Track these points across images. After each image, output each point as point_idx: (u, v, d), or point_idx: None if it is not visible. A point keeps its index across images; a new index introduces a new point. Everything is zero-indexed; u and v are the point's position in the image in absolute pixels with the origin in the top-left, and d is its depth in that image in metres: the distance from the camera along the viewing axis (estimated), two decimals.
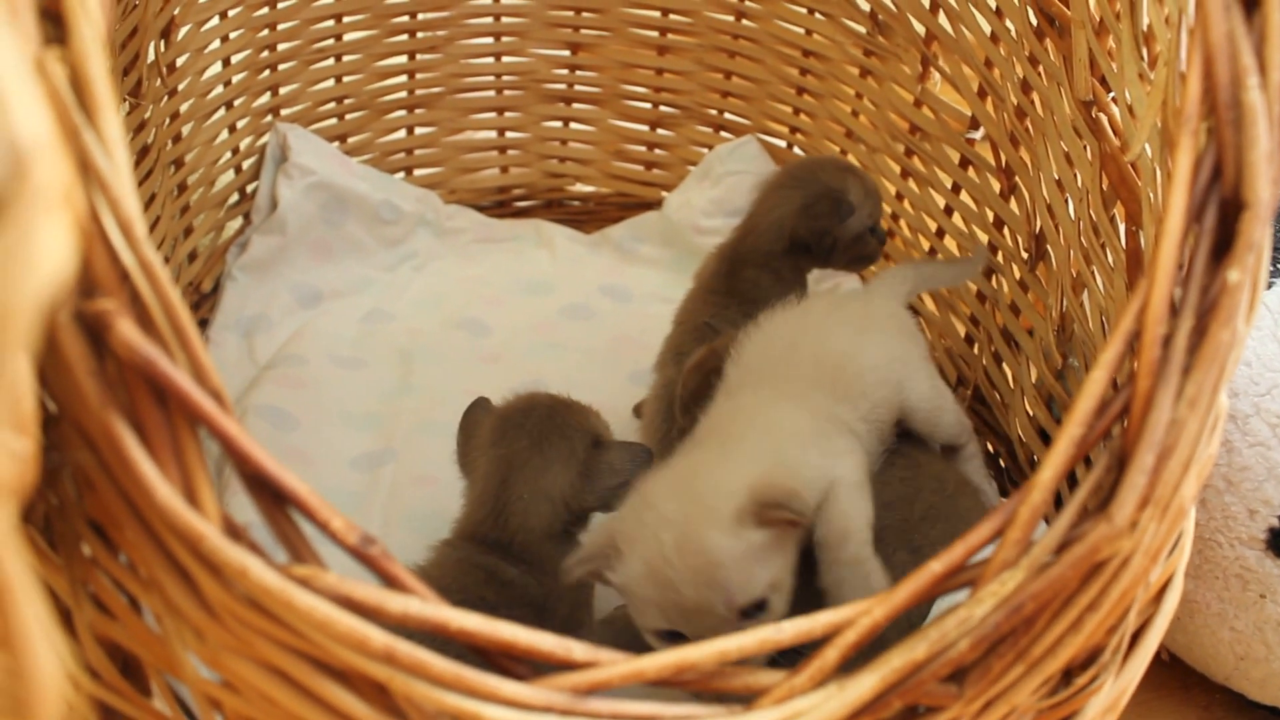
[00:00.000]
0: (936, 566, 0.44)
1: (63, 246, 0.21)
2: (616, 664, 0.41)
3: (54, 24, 0.38)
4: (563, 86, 1.21)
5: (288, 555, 0.40)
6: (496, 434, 0.75)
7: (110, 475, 0.39)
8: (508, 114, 1.21)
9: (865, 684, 0.42)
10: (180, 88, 1.00)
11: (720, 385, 0.79)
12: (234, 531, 0.39)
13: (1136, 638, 0.53)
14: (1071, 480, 0.78)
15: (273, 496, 0.40)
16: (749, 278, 0.92)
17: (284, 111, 1.12)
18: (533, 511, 0.73)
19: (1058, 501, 0.76)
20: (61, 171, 0.22)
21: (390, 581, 0.40)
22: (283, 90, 1.12)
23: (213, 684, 0.44)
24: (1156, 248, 0.45)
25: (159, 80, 0.96)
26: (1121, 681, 0.52)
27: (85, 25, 0.38)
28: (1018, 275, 0.93)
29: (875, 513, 0.77)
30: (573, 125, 1.22)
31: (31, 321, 0.21)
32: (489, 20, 1.18)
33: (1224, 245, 0.45)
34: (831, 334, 0.80)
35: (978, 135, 0.99)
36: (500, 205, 1.22)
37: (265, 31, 1.09)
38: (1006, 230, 0.95)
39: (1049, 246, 0.88)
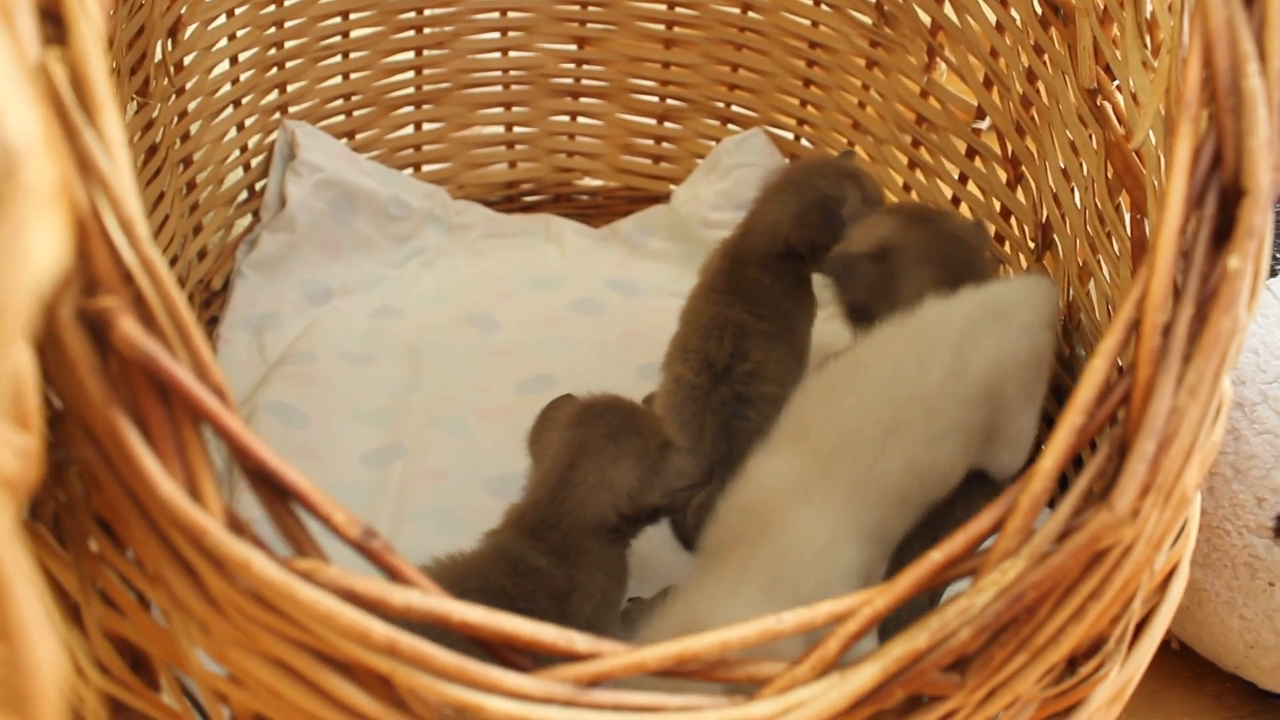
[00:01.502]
0: (938, 556, 0.44)
1: (55, 243, 0.21)
2: (619, 655, 0.41)
3: (54, 24, 0.38)
4: (570, 81, 1.21)
5: (291, 549, 0.41)
6: (575, 418, 0.77)
7: (115, 472, 0.40)
8: (515, 109, 1.21)
9: (867, 673, 0.42)
10: (188, 86, 1.01)
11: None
12: (237, 526, 0.39)
13: (1142, 626, 0.53)
14: (1079, 466, 0.78)
15: (275, 491, 0.40)
16: (751, 277, 0.92)
17: (292, 109, 1.13)
18: (591, 499, 0.74)
19: (1066, 485, 0.76)
20: (52, 170, 0.22)
21: (392, 574, 0.40)
22: (290, 88, 1.12)
23: (219, 678, 0.44)
24: (1156, 235, 0.45)
25: (166, 79, 0.96)
26: (1127, 670, 0.53)
27: (85, 25, 0.38)
28: (1025, 265, 0.93)
29: None
30: (580, 119, 1.22)
31: (27, 317, 0.22)
32: (495, 15, 1.18)
33: (1224, 232, 0.45)
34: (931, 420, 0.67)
35: (984, 125, 0.99)
36: (509, 200, 1.22)
37: (272, 29, 1.09)
38: (1013, 220, 0.95)
39: (1055, 236, 0.88)
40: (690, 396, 0.88)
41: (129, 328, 0.38)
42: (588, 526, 0.74)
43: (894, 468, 0.67)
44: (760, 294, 0.91)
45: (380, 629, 0.38)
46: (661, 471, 0.75)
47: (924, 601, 0.64)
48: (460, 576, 0.71)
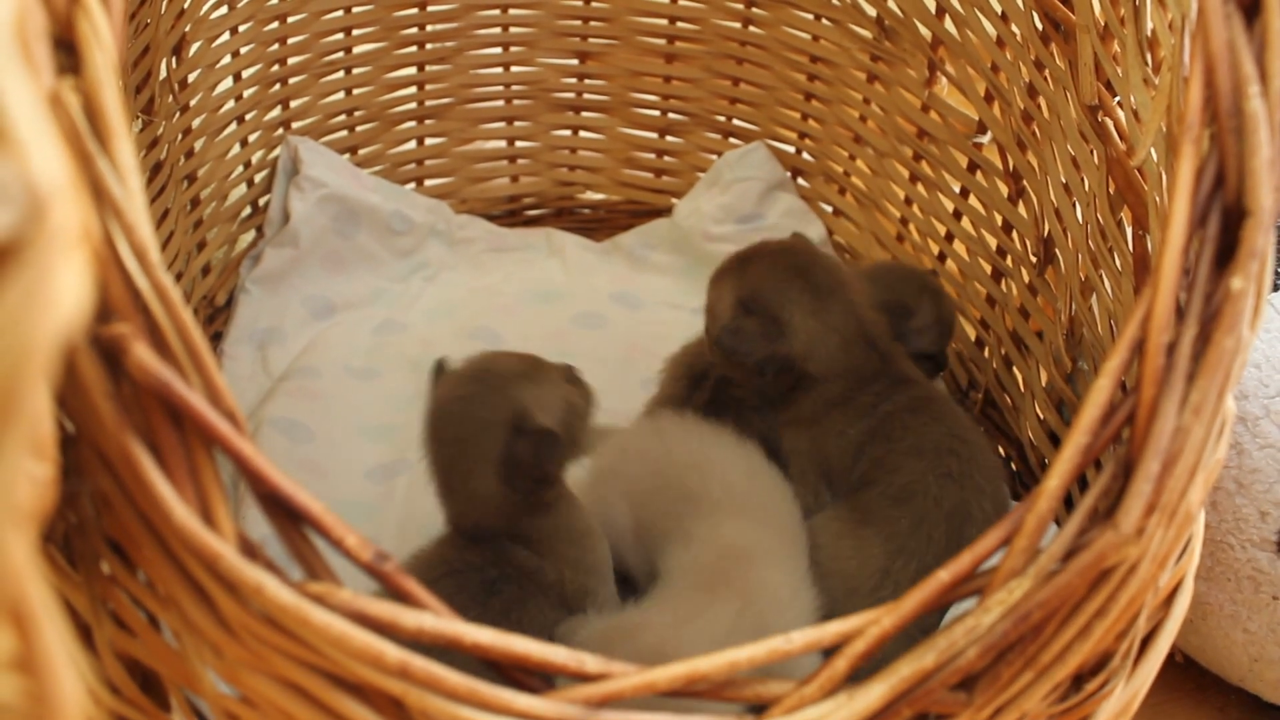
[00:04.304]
0: (944, 575, 0.44)
1: (80, 285, 0.22)
2: (629, 675, 0.42)
3: (67, 53, 0.39)
4: (572, 95, 1.22)
5: (303, 572, 0.41)
6: (427, 435, 0.74)
7: (128, 496, 0.40)
8: (517, 123, 1.22)
9: (875, 693, 0.43)
10: (192, 103, 1.01)
11: None
12: (250, 550, 0.40)
13: (1147, 642, 0.53)
14: (1084, 483, 0.79)
15: (287, 515, 0.40)
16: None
17: (295, 124, 1.13)
18: (479, 511, 0.72)
19: (1071, 502, 0.76)
20: (78, 212, 0.22)
21: (404, 597, 0.41)
22: (293, 103, 1.13)
23: (231, 699, 0.44)
24: (1160, 256, 0.45)
25: (171, 97, 0.97)
26: (1133, 686, 0.53)
27: (98, 54, 0.39)
28: (1027, 279, 0.93)
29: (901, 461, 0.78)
30: (582, 134, 1.23)
31: (51, 359, 0.22)
32: (497, 30, 1.19)
33: (1227, 253, 0.45)
34: None
35: (985, 139, 0.99)
36: (511, 214, 1.23)
37: (275, 45, 1.09)
38: (1015, 234, 0.96)
39: (1057, 250, 0.88)
40: (664, 406, 0.89)
41: (142, 354, 0.38)
42: (505, 522, 0.72)
43: None
44: None
45: (393, 652, 0.39)
46: (509, 475, 0.71)
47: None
48: (426, 565, 0.71)
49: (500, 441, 0.71)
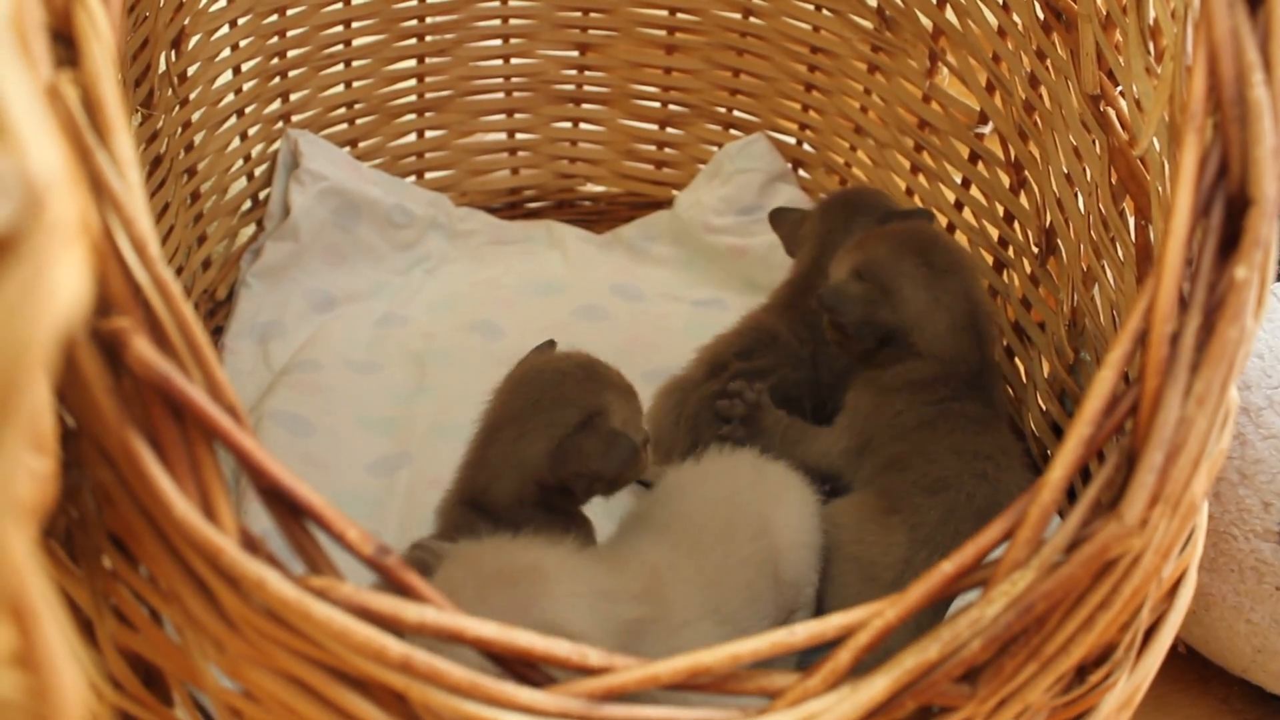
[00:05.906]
0: (948, 567, 0.44)
1: (78, 279, 0.22)
2: (631, 669, 0.42)
3: (65, 46, 0.39)
4: (572, 87, 1.21)
5: (304, 566, 0.41)
6: (504, 386, 0.75)
7: (129, 490, 0.40)
8: (517, 116, 1.22)
9: (878, 685, 0.43)
10: (192, 97, 1.01)
11: None
12: (251, 544, 0.39)
13: (1150, 634, 0.53)
14: (1087, 475, 0.78)
15: (289, 509, 0.40)
16: (813, 308, 0.89)
17: (295, 118, 1.13)
18: (501, 477, 0.72)
19: (1074, 494, 0.76)
20: (75, 205, 0.22)
21: (406, 591, 0.41)
22: (293, 96, 1.12)
23: (233, 694, 0.44)
24: (1163, 246, 0.45)
25: (170, 90, 0.96)
26: (1136, 677, 0.53)
27: (96, 47, 0.38)
28: (1028, 270, 0.93)
29: (941, 454, 0.79)
30: (582, 126, 1.23)
31: (49, 352, 0.22)
32: (497, 23, 1.18)
33: (1231, 242, 0.45)
34: None
35: (986, 130, 0.99)
36: (511, 207, 1.23)
37: (275, 38, 1.09)
38: (1017, 224, 0.95)
39: (1059, 241, 0.88)
40: (675, 388, 0.88)
41: (142, 348, 0.38)
42: (510, 501, 0.71)
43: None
44: (816, 323, 0.89)
45: (395, 646, 0.39)
46: (562, 454, 0.71)
47: None
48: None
49: (570, 424, 0.71)
